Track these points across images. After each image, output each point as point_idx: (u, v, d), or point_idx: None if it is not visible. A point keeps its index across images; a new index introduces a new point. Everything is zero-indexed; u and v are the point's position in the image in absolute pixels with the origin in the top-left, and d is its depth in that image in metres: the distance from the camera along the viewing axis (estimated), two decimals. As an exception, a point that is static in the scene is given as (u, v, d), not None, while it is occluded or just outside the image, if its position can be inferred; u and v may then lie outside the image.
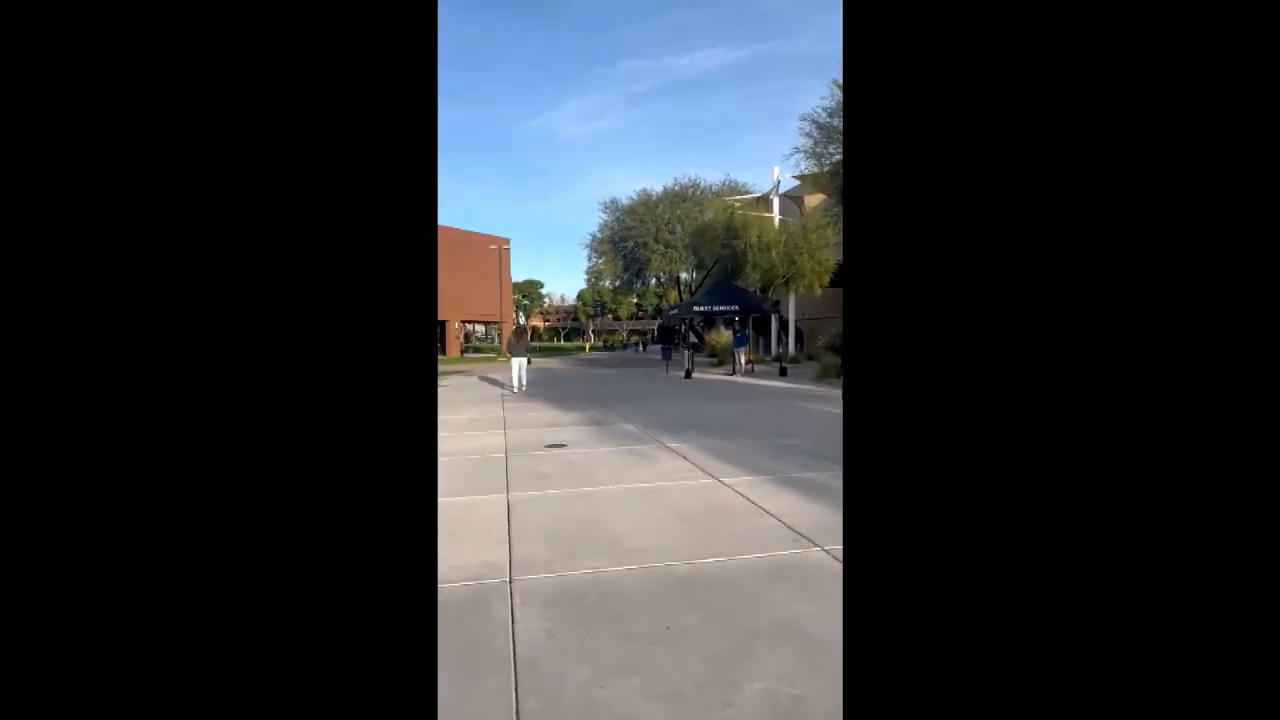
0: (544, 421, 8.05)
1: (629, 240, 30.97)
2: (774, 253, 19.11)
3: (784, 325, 22.60)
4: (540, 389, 12.52)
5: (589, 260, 34.16)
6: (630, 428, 7.35)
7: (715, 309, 18.68)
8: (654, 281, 35.18)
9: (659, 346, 23.78)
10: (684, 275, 32.03)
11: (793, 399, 10.06)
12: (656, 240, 30.16)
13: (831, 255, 19.08)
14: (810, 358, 18.74)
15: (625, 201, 31.61)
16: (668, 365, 18.37)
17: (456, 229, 37.20)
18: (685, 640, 2.26)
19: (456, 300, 35.65)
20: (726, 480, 4.65)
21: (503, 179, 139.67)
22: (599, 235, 32.43)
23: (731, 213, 21.32)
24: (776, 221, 21.10)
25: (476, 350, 38.96)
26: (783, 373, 15.56)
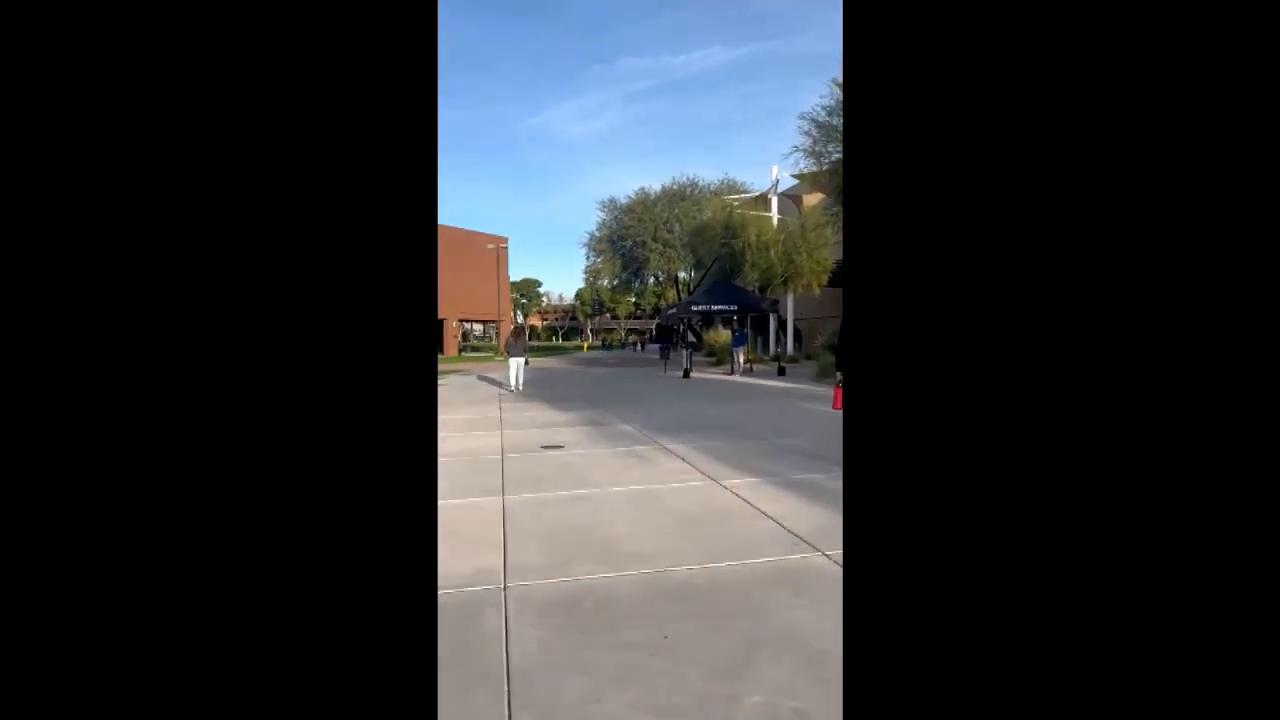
0: (541, 422, 7.98)
1: (627, 239, 30.89)
2: (772, 252, 19.04)
3: (782, 325, 22.55)
4: (537, 389, 12.45)
5: (587, 259, 34.08)
6: (628, 428, 7.28)
7: (713, 308, 18.59)
8: (652, 281, 35.15)
9: (657, 346, 23.75)
10: (682, 274, 31.98)
11: (791, 399, 10.01)
12: (655, 239, 30.09)
13: (830, 254, 19.02)
14: (809, 357, 18.69)
15: (623, 200, 31.55)
16: (666, 365, 18.32)
17: (454, 228, 37.15)
18: (683, 650, 2.20)
19: (454, 299, 35.58)
20: (725, 482, 4.59)
21: (501, 178, 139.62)
22: (597, 234, 32.35)
23: (730, 212, 21.24)
24: (775, 221, 21.04)
25: (474, 349, 38.89)
26: (781, 372, 15.51)
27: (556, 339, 77.21)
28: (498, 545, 3.32)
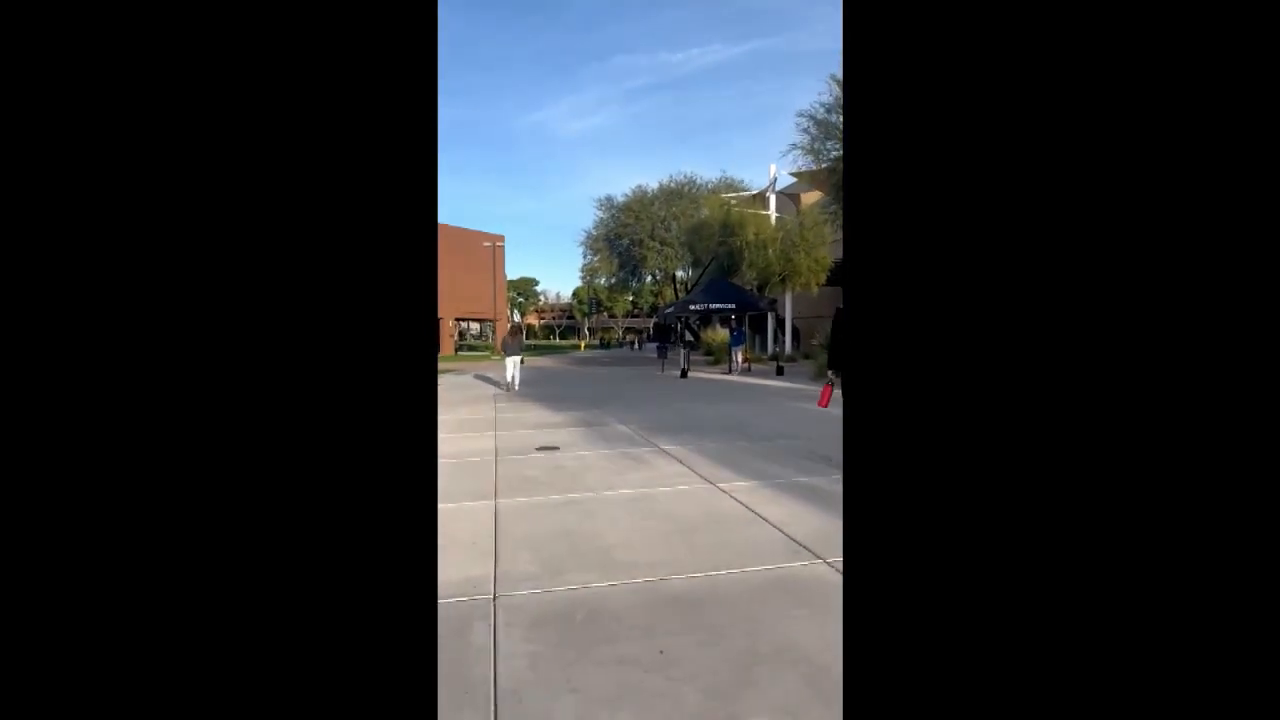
0: (536, 423, 7.87)
1: (624, 238, 30.75)
2: (770, 250, 18.96)
3: (780, 324, 22.46)
4: (534, 388, 12.35)
5: (584, 258, 33.91)
6: (624, 429, 7.18)
7: (711, 307, 18.49)
8: (650, 279, 35.03)
9: (655, 345, 23.63)
10: (680, 273, 31.85)
11: (790, 399, 9.92)
12: (652, 238, 29.96)
13: (828, 253, 18.95)
14: (807, 356, 18.60)
15: (621, 199, 31.38)
16: (663, 364, 18.21)
17: (451, 226, 36.98)
18: (680, 666, 2.09)
19: (451, 298, 35.44)
20: (723, 485, 4.49)
21: (497, 176, 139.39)
22: (594, 233, 32.17)
23: (728, 210, 21.15)
24: (773, 219, 20.93)
25: (471, 348, 38.73)
26: (779, 371, 15.42)
27: (554, 338, 77.05)
28: (489, 553, 3.21)
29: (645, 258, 30.27)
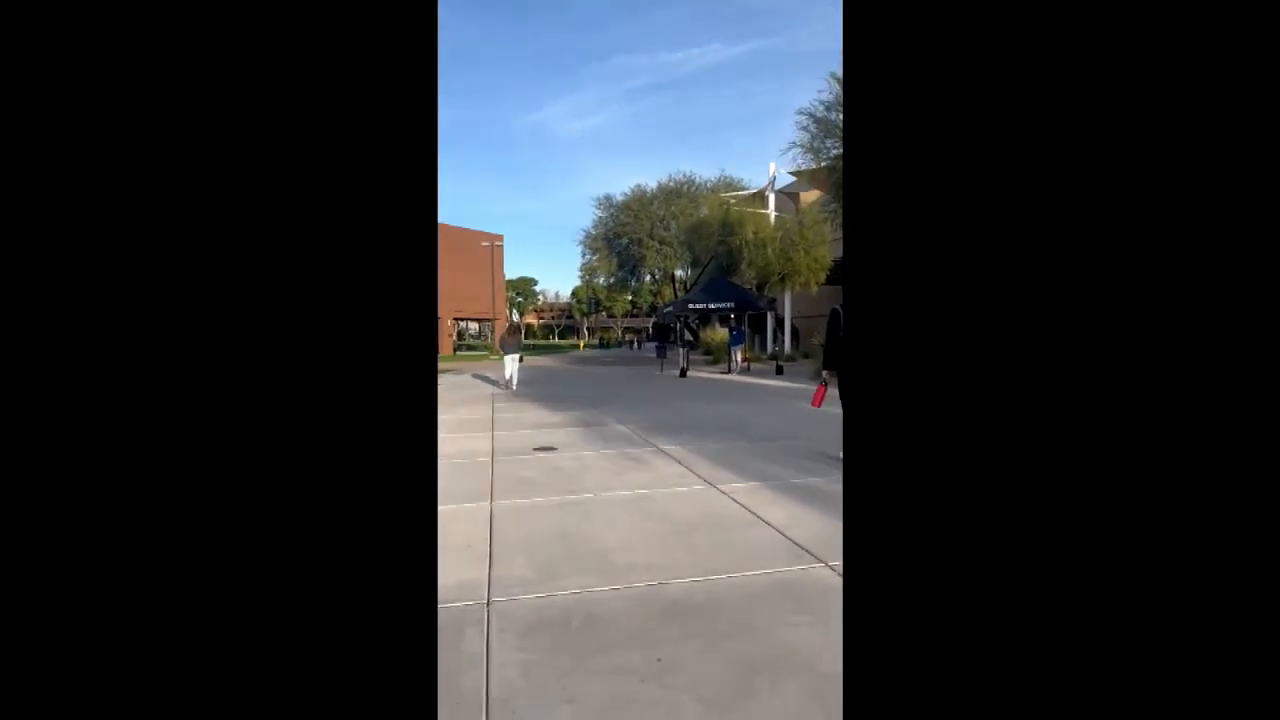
0: (534, 422, 7.80)
1: (623, 237, 30.69)
2: (770, 249, 18.90)
3: (780, 323, 22.39)
4: (532, 388, 12.28)
5: (583, 257, 33.87)
6: (623, 429, 7.11)
7: (711, 306, 18.42)
8: (649, 279, 34.95)
9: (654, 344, 23.57)
10: (679, 272, 31.78)
11: (790, 398, 9.85)
12: (651, 237, 29.90)
13: (828, 252, 18.88)
14: (806, 355, 18.51)
15: (620, 198, 31.32)
16: (662, 363, 18.15)
17: (450, 225, 36.92)
18: (679, 675, 2.02)
19: (450, 297, 35.36)
20: (723, 486, 4.42)
21: (496, 175, 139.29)
22: (593, 232, 32.13)
23: (727, 209, 21.09)
24: (772, 218, 20.86)
25: (470, 348, 38.66)
26: (779, 371, 15.36)
27: (553, 337, 76.97)
28: (483, 556, 3.14)
29: (644, 257, 30.21)
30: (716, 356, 19.21)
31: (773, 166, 22.20)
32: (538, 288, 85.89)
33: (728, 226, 20.21)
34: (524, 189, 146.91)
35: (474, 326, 44.59)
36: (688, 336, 18.47)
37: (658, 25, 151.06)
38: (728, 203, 21.95)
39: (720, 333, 19.95)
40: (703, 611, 2.49)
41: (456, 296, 36.67)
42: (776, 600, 2.58)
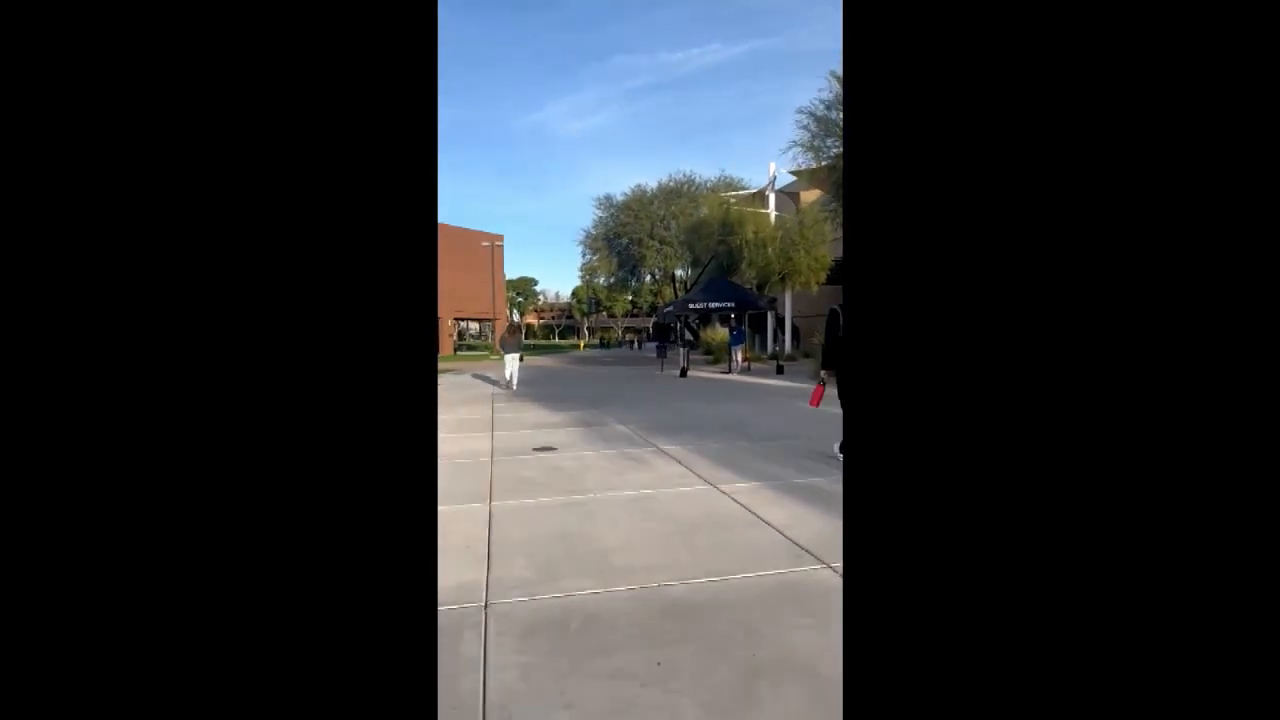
0: (534, 422, 7.77)
1: (624, 237, 30.64)
2: (770, 249, 18.85)
3: (780, 323, 22.36)
4: (532, 388, 12.25)
5: (583, 257, 33.81)
6: (623, 429, 7.08)
7: (711, 306, 18.36)
8: (649, 278, 34.90)
9: (654, 344, 23.53)
10: (679, 272, 31.73)
11: (791, 398, 9.82)
12: (651, 237, 29.86)
13: (828, 251, 18.84)
14: (807, 355, 18.48)
15: (620, 198, 31.27)
16: (663, 363, 18.12)
17: (450, 225, 36.91)
18: (679, 679, 1.99)
19: (450, 297, 35.35)
20: (723, 486, 4.39)
21: (496, 175, 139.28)
22: (593, 232, 32.08)
23: (727, 209, 21.05)
24: (773, 217, 20.82)
25: (470, 348, 38.64)
26: (779, 371, 15.33)
27: (553, 337, 76.93)
28: (481, 558, 3.11)
29: (644, 257, 30.17)
30: (717, 356, 19.17)
31: (773, 166, 22.18)
32: (538, 288, 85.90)
33: (728, 226, 20.16)
34: (524, 189, 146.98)
35: (474, 327, 44.58)
36: (688, 336, 18.44)
37: (658, 25, 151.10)
38: (728, 202, 21.91)
39: (721, 332, 19.92)
40: (704, 614, 2.45)
41: (457, 296, 36.66)
42: (778, 602, 2.54)
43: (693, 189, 30.07)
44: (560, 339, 73.16)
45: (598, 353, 35.33)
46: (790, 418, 7.73)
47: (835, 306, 4.98)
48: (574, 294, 74.73)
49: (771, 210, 21.45)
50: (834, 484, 4.36)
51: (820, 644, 2.19)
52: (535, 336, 74.39)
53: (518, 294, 77.50)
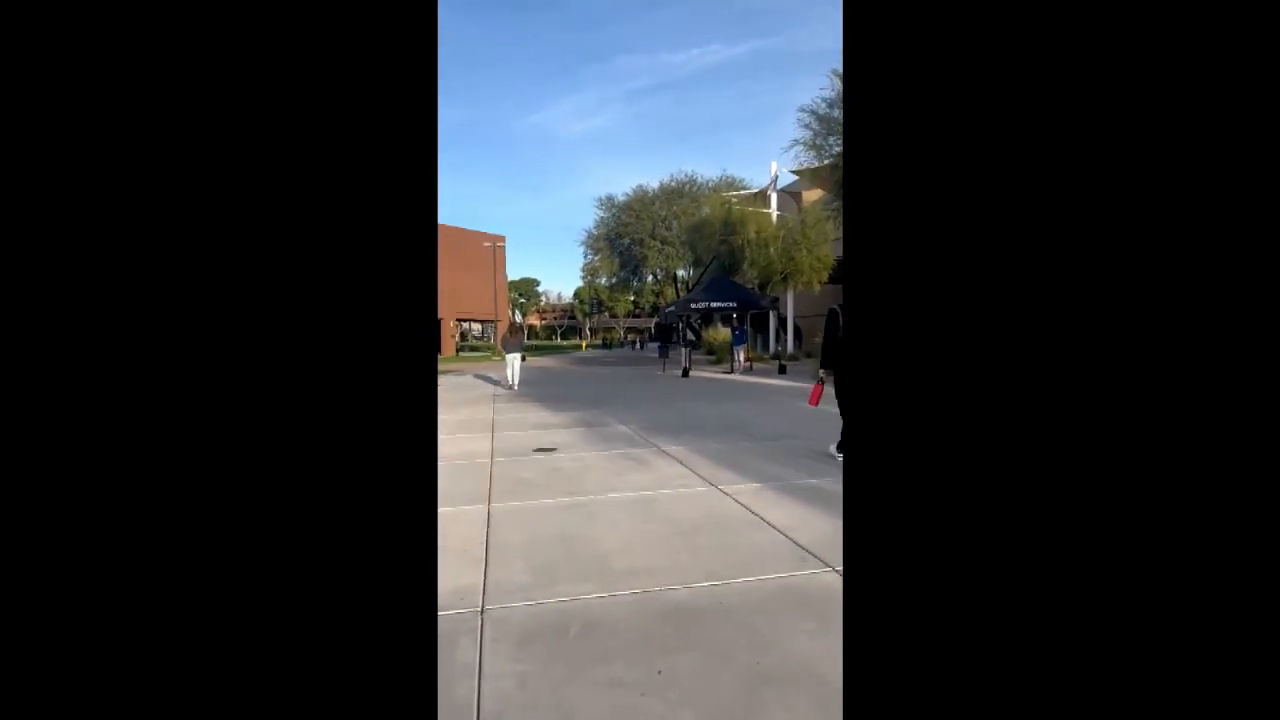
0: (535, 423, 7.72)
1: (625, 237, 30.57)
2: (772, 249, 18.78)
3: (782, 322, 22.28)
4: (533, 388, 12.20)
5: (585, 258, 33.74)
6: (625, 429, 7.02)
7: (713, 306, 18.31)
8: (651, 279, 34.83)
9: (656, 344, 23.47)
10: (681, 272, 31.66)
11: (793, 397, 9.76)
12: (653, 237, 29.78)
13: (831, 251, 18.76)
14: (809, 355, 18.41)
15: (621, 198, 31.19)
16: (665, 363, 18.06)
17: (452, 226, 36.89)
18: (680, 688, 1.93)
19: (452, 298, 35.34)
20: (725, 488, 4.33)
21: (498, 176, 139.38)
22: (595, 232, 32.00)
23: (729, 208, 20.98)
24: (774, 217, 20.75)
25: (472, 349, 38.61)
26: (782, 370, 15.26)
27: (555, 338, 76.89)
28: (479, 561, 3.05)
29: (646, 257, 30.09)
30: (719, 356, 19.11)
31: (774, 165, 22.11)
32: (540, 288, 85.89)
33: (730, 226, 20.09)
34: (525, 189, 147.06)
35: (477, 327, 44.57)
36: (690, 336, 18.38)
37: (658, 25, 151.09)
38: (729, 202, 21.83)
39: (723, 332, 19.84)
40: (705, 619, 2.39)
41: (459, 297, 36.64)
42: (782, 606, 2.48)
43: (694, 189, 29.98)
44: (562, 339, 73.14)
45: (600, 353, 35.28)
46: (793, 418, 7.66)
47: (835, 306, 4.97)
48: (576, 294, 74.73)
49: (773, 209, 21.38)
50: (837, 485, 4.30)
51: (826, 650, 2.13)
52: (537, 337, 74.39)
53: (520, 295, 77.52)
